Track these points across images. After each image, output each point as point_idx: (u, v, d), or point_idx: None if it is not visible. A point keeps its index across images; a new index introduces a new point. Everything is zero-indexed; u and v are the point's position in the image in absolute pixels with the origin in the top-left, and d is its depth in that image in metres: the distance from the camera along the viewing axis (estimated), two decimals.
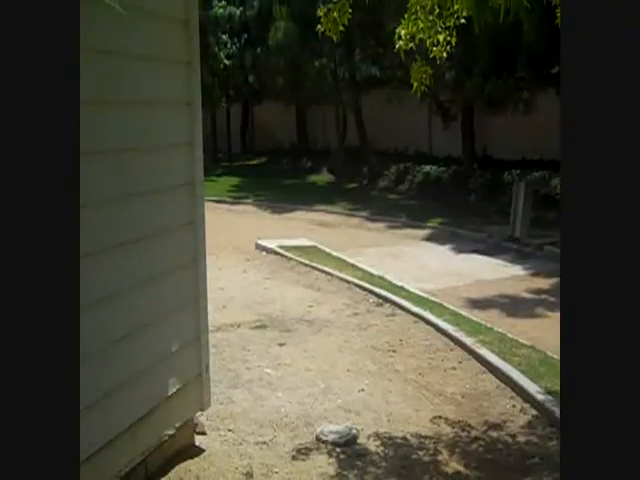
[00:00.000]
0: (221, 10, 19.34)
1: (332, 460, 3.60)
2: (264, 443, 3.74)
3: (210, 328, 3.76)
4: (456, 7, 3.89)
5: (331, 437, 3.80)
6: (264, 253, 9.13)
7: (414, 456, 3.71)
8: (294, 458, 3.60)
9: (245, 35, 20.56)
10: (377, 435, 3.91)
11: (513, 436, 3.99)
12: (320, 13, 4.12)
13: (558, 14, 4.62)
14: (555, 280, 8.24)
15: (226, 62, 19.84)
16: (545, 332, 6.15)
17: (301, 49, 15.63)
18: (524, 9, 2.75)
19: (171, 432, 3.35)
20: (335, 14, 4.06)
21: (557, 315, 6.53)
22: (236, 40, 20.53)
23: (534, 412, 4.26)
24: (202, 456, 3.53)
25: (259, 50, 18.71)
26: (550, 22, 5.62)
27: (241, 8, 20.03)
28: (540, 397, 4.33)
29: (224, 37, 19.79)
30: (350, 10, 4.09)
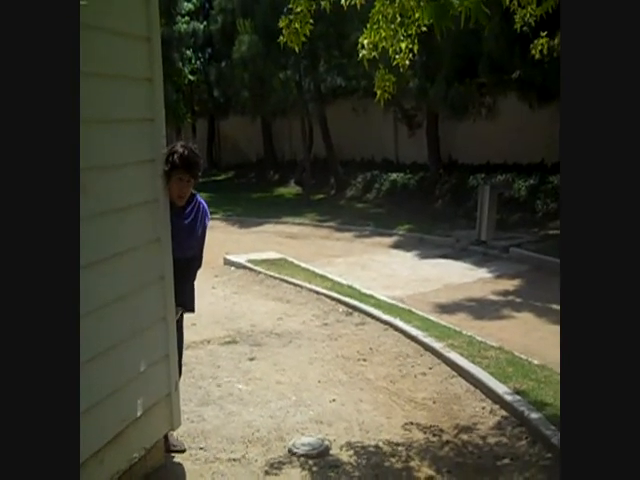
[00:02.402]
0: (184, 25, 19.34)
1: (305, 473, 3.61)
2: (236, 460, 3.73)
3: None
4: (417, 15, 3.96)
5: (303, 449, 3.81)
6: (233, 268, 9.11)
7: (387, 464, 3.73)
8: (267, 473, 3.60)
9: (209, 50, 20.62)
10: (349, 445, 3.93)
11: (483, 438, 4.04)
12: (282, 24, 4.15)
13: (517, 20, 4.75)
14: (520, 281, 8.40)
15: (190, 77, 19.84)
16: (512, 333, 6.26)
17: (265, 62, 15.67)
18: (484, 15, 2.82)
19: (141, 454, 3.33)
20: (297, 25, 4.11)
21: (523, 315, 6.67)
22: (200, 55, 20.56)
23: (504, 413, 4.32)
24: (173, 477, 3.52)
25: (223, 64, 18.71)
26: (509, 28, 5.77)
27: (205, 23, 20.06)
28: (509, 398, 4.39)
29: (188, 52, 19.79)
30: (313, 21, 4.14)
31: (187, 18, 19.57)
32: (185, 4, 19.71)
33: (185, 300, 3.68)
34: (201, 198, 3.77)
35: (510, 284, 8.26)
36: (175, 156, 3.41)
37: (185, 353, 5.03)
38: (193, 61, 20.07)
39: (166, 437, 3.68)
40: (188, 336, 5.70)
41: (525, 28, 4.78)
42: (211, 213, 3.89)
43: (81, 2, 1.69)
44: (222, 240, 10.96)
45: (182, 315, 3.75)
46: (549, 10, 4.37)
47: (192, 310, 3.80)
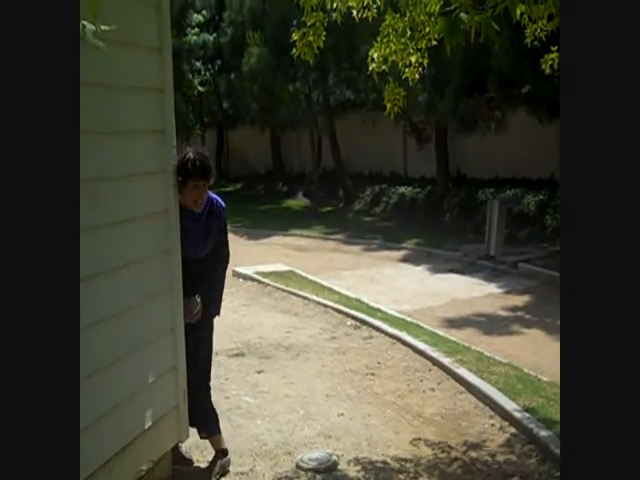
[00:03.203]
0: (195, 37, 19.45)
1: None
2: (243, 473, 3.71)
3: None
4: (427, 29, 3.98)
5: (311, 464, 3.79)
6: (241, 280, 9.11)
7: None
8: None
9: (219, 61, 20.69)
10: (357, 460, 3.90)
11: (492, 455, 4.01)
12: (295, 37, 4.18)
13: (527, 34, 4.75)
14: (529, 297, 8.35)
15: (200, 89, 19.92)
16: (521, 349, 6.22)
17: (275, 74, 15.74)
18: (494, 31, 2.82)
19: (149, 466, 3.31)
20: (310, 37, 4.13)
21: (533, 332, 6.61)
22: (210, 67, 20.65)
23: (513, 430, 4.28)
24: None
25: (233, 76, 18.81)
26: (519, 43, 5.77)
27: (214, 35, 20.18)
28: (518, 415, 4.36)
29: (198, 64, 19.89)
30: (324, 34, 4.16)
31: (197, 30, 19.70)
32: (195, 16, 19.85)
33: (207, 298, 3.59)
34: (214, 194, 3.69)
35: (519, 300, 8.22)
36: (189, 164, 3.40)
37: None
38: (203, 73, 20.17)
39: (176, 448, 3.65)
40: None
41: (536, 43, 4.78)
42: None
43: (106, 27, 1.70)
44: (230, 252, 10.96)
45: (207, 315, 3.64)
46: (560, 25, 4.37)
47: (217, 313, 3.73)
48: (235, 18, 18.35)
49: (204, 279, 3.61)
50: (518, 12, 4.18)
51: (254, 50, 15.95)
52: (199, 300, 3.53)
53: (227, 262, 3.80)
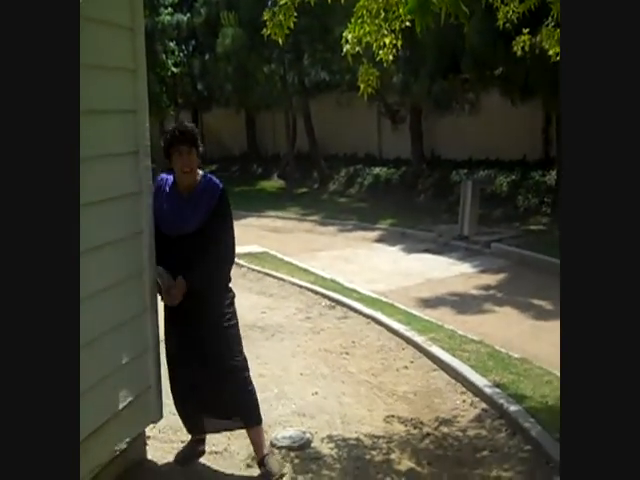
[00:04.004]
0: (168, 17, 19.15)
1: (286, 465, 3.63)
2: (218, 452, 3.73)
3: (162, 339, 3.71)
4: (401, 11, 3.98)
5: (285, 442, 3.83)
6: None
7: (367, 456, 3.76)
8: (249, 466, 3.61)
9: (193, 42, 20.46)
10: (331, 438, 3.95)
11: (463, 430, 4.09)
12: (265, 17, 4.14)
13: (499, 17, 4.78)
14: (502, 276, 8.46)
15: (174, 69, 19.66)
16: (493, 327, 6.31)
17: (249, 55, 15.62)
18: (463, 12, 2.85)
19: (122, 447, 3.33)
20: (280, 17, 4.09)
21: (504, 310, 6.69)
22: (184, 47, 20.40)
23: (484, 405, 4.37)
24: (154, 470, 3.51)
25: (207, 57, 18.63)
26: (492, 25, 5.80)
27: (188, 15, 19.91)
28: (488, 390, 4.45)
29: (172, 44, 19.61)
30: (297, 14, 4.13)
31: (170, 10, 19.38)
32: None
33: (195, 278, 3.36)
34: (213, 177, 3.54)
35: (492, 279, 8.32)
36: (169, 134, 3.36)
37: None
38: (176, 53, 19.91)
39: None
40: None
41: (508, 25, 4.81)
42: None
43: None
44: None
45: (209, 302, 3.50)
46: (531, 7, 4.41)
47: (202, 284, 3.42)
48: None
49: (196, 260, 3.40)
50: None
51: (228, 31, 15.79)
52: (166, 276, 3.36)
53: (228, 254, 3.62)
